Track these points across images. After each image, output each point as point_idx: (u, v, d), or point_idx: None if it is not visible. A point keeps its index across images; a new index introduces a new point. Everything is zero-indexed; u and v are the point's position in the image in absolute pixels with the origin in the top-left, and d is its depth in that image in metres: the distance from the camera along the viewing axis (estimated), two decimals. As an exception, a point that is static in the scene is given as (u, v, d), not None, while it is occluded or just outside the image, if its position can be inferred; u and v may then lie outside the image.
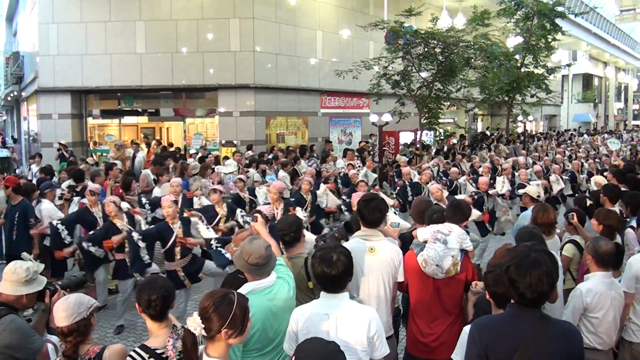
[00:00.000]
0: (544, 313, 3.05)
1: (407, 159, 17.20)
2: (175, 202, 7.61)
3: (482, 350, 3.04)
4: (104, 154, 19.09)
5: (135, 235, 7.43)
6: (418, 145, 21.13)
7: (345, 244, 4.50)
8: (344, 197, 11.56)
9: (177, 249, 7.42)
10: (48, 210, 9.14)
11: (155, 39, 19.59)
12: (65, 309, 3.55)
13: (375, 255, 4.64)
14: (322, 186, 11.47)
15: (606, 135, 40.11)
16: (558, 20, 22.76)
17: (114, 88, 20.09)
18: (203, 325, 3.00)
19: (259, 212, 5.46)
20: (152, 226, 8.03)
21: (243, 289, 3.86)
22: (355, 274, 3.92)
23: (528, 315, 3.00)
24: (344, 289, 3.73)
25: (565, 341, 3.01)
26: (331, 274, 3.62)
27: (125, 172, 12.37)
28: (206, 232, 7.49)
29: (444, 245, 4.51)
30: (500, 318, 3.24)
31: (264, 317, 3.85)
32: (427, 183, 11.70)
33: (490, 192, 11.22)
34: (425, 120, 20.43)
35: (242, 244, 4.05)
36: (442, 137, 25.43)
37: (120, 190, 10.39)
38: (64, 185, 10.85)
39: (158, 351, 3.50)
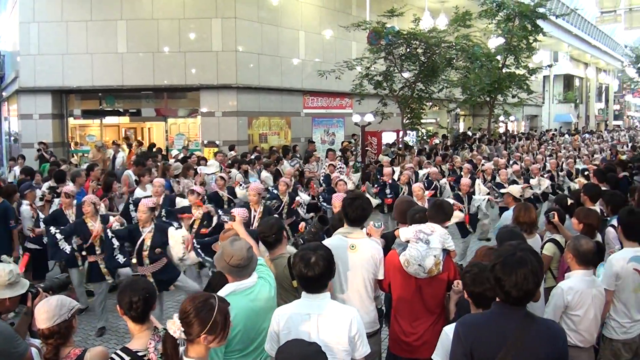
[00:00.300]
0: (528, 311, 3.07)
1: (390, 159, 17.26)
2: (153, 209, 7.48)
3: (467, 348, 3.05)
4: (85, 155, 18.98)
5: (109, 232, 7.44)
6: (400, 146, 21.20)
7: (326, 241, 4.53)
8: (320, 196, 11.52)
9: (145, 253, 7.24)
10: (29, 212, 9.07)
11: (136, 38, 19.47)
12: (47, 310, 3.53)
13: (356, 253, 4.68)
14: (307, 198, 11.40)
15: (587, 135, 40.47)
16: (539, 22, 22.99)
17: (95, 88, 19.94)
18: (183, 329, 2.98)
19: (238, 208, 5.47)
20: (124, 227, 7.99)
21: (224, 290, 3.86)
22: (336, 271, 3.92)
23: (513, 313, 3.02)
24: (324, 289, 3.73)
25: (550, 339, 3.04)
26: (308, 274, 3.63)
27: (106, 172, 12.31)
28: (178, 248, 7.21)
29: (426, 245, 4.52)
30: (486, 316, 3.26)
31: (246, 318, 3.84)
32: (407, 184, 11.72)
33: (474, 198, 11.24)
34: (407, 121, 20.52)
35: (222, 245, 4.04)
36: (424, 138, 25.52)
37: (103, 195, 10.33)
38: (45, 186, 10.77)
39: (140, 353, 3.48)
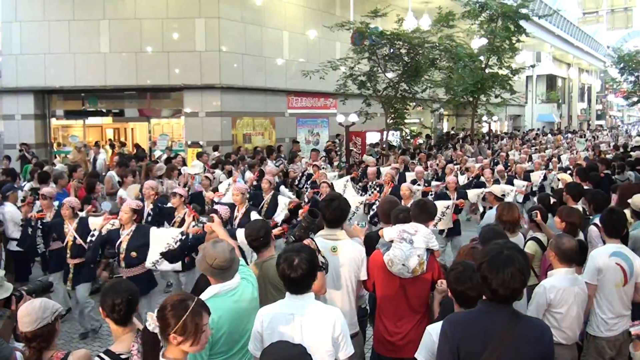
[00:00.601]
0: (515, 309, 3.10)
1: (375, 159, 17.30)
2: (136, 210, 7.36)
3: (454, 345, 3.07)
4: (67, 156, 18.85)
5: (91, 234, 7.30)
6: (384, 145, 21.24)
7: None
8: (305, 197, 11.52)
9: (122, 256, 7.08)
10: (11, 214, 8.98)
11: (119, 38, 19.37)
12: (30, 313, 3.51)
13: (338, 255, 4.68)
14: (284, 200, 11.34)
15: (570, 135, 40.75)
16: (522, 22, 23.18)
17: (78, 88, 19.82)
18: (158, 324, 2.96)
19: (215, 211, 5.43)
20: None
21: (208, 292, 3.85)
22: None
23: (500, 311, 3.06)
24: (308, 290, 3.73)
25: (536, 337, 3.07)
26: (292, 276, 3.63)
27: (89, 173, 12.24)
28: (153, 253, 6.97)
29: (410, 244, 4.53)
30: (472, 314, 3.28)
31: (231, 320, 3.83)
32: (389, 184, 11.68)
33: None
34: (391, 121, 20.55)
35: (204, 248, 4.01)
36: (408, 137, 25.60)
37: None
38: (26, 187, 10.69)
39: (123, 356, 3.46)
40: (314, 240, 4.46)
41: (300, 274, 3.62)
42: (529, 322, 3.16)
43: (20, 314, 3.56)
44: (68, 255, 7.73)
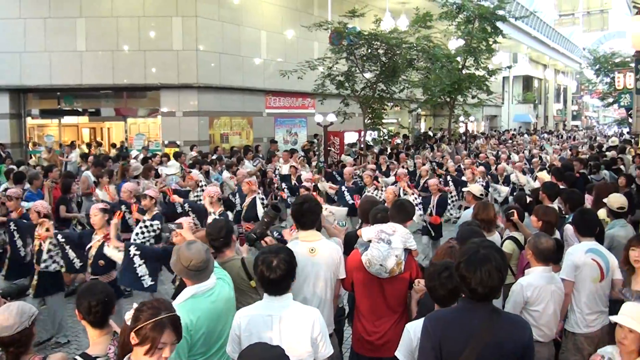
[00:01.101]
0: (494, 306, 3.14)
1: (353, 159, 17.32)
2: (105, 210, 7.15)
3: (435, 342, 3.10)
4: (40, 155, 18.65)
5: (59, 237, 7.18)
6: (362, 146, 21.29)
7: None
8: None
9: (89, 262, 6.80)
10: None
11: (96, 36, 19.21)
12: (7, 318, 3.45)
13: (316, 256, 4.66)
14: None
15: (546, 135, 41.17)
16: (499, 24, 23.32)
17: (54, 87, 19.64)
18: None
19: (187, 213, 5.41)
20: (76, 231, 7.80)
21: (185, 294, 3.83)
22: (297, 276, 3.92)
23: (480, 308, 3.09)
24: (286, 291, 3.73)
25: (516, 333, 3.12)
26: (271, 277, 3.62)
27: (64, 174, 12.12)
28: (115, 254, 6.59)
29: (387, 245, 4.54)
30: (453, 311, 3.33)
31: (209, 320, 3.82)
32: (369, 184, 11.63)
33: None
34: (369, 121, 20.59)
35: (179, 250, 3.97)
36: (385, 137, 25.68)
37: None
38: (1, 188, 10.56)
39: (99, 359, 3.44)
40: (274, 237, 4.44)
41: (279, 275, 3.61)
42: (509, 319, 3.21)
43: None
44: (34, 261, 7.48)
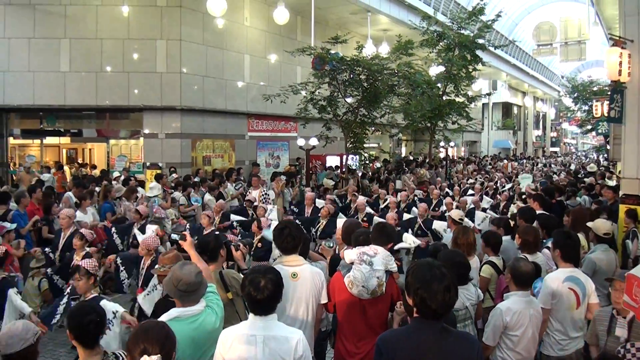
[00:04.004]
0: (444, 325, 3.25)
1: (334, 183, 17.42)
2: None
3: None
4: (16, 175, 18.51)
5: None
6: (344, 169, 21.41)
7: None
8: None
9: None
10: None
11: (80, 57, 19.21)
12: (13, 335, 3.50)
13: (298, 281, 4.74)
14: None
15: (524, 161, 41.53)
16: (478, 52, 23.68)
17: (36, 107, 19.57)
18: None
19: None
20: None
21: (169, 314, 3.87)
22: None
23: (430, 327, 3.21)
24: (272, 311, 3.78)
25: (464, 349, 3.23)
26: (258, 297, 3.67)
27: (44, 193, 12.10)
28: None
29: (369, 266, 4.62)
30: (405, 331, 3.43)
31: (186, 346, 3.82)
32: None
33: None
34: (350, 145, 20.72)
35: (173, 269, 4.03)
36: (366, 162, 25.84)
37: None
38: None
39: None
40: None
41: (266, 295, 3.68)
42: (458, 336, 3.32)
43: (1, 336, 3.55)
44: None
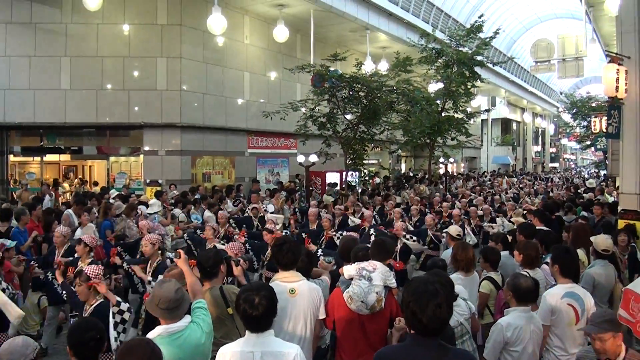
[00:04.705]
0: (441, 342, 3.24)
1: (334, 199, 17.42)
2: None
3: None
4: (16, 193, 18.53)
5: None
6: (344, 186, 21.43)
7: None
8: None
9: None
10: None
11: (80, 75, 19.29)
12: (12, 351, 3.51)
13: (296, 297, 4.75)
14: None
15: (523, 177, 41.49)
16: (477, 69, 23.77)
17: (37, 124, 19.62)
18: None
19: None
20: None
21: (153, 332, 3.88)
22: (277, 317, 4.02)
23: (427, 344, 3.19)
24: (268, 327, 3.80)
25: None
26: (253, 314, 3.69)
27: (44, 211, 12.11)
28: None
29: (368, 282, 4.64)
30: (402, 347, 3.45)
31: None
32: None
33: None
34: (350, 161, 20.75)
35: (153, 289, 4.06)
36: (366, 178, 25.87)
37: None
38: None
39: None
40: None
41: (261, 312, 3.69)
42: (456, 354, 3.31)
43: (2, 352, 3.56)
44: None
